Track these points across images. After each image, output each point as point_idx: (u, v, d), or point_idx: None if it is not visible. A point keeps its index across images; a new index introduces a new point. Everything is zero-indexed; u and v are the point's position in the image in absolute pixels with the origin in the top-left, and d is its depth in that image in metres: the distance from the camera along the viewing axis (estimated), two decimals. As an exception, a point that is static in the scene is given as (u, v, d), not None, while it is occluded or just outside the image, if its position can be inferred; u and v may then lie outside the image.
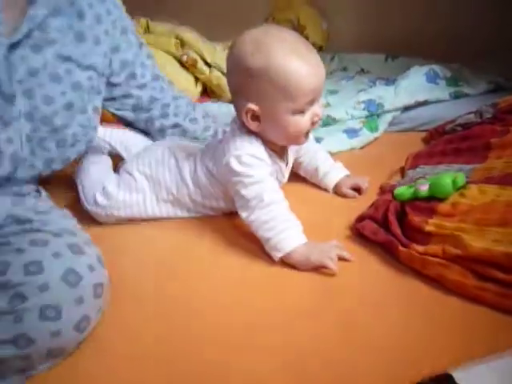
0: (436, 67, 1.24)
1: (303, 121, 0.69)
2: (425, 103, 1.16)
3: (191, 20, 1.61)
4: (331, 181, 0.87)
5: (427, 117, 1.14)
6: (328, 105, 1.22)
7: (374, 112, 1.15)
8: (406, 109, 1.16)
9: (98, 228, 0.82)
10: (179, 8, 1.90)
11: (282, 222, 0.68)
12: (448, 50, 1.49)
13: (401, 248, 0.59)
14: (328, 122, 1.15)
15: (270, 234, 0.68)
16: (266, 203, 0.68)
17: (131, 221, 0.84)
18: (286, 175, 0.83)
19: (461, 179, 0.63)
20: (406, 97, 1.15)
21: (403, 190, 0.68)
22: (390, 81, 1.24)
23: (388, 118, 1.15)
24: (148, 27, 1.62)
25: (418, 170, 0.79)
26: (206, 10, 1.93)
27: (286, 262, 0.67)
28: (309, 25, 1.68)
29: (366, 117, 1.15)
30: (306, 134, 0.73)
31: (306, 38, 1.68)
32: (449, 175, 0.63)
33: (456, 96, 1.17)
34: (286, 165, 0.82)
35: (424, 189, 0.64)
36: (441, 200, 0.63)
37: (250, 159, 0.70)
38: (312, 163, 0.89)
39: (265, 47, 0.66)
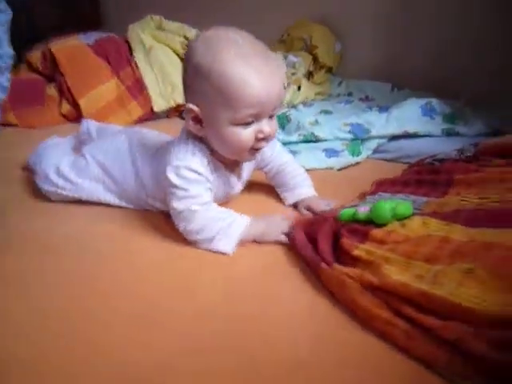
0: (435, 102, 1.19)
1: (244, 134, 0.63)
2: (415, 136, 1.11)
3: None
4: (291, 198, 0.83)
5: (414, 149, 1.09)
6: (316, 123, 1.19)
7: (359, 136, 1.11)
8: (394, 138, 1.12)
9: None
10: (195, 21, 1.92)
11: (221, 218, 0.67)
12: (460, 87, 1.44)
13: (323, 265, 0.55)
14: (311, 138, 1.12)
15: (213, 232, 0.66)
16: (199, 212, 0.66)
17: (82, 202, 0.83)
18: (238, 188, 0.80)
19: (404, 208, 0.58)
20: (396, 126, 1.11)
21: (345, 211, 0.64)
22: (383, 108, 1.20)
23: (373, 144, 1.11)
24: (161, 24, 1.64)
25: (376, 196, 0.75)
26: (223, 23, 1.95)
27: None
28: (320, 45, 1.66)
29: (351, 140, 1.12)
30: (253, 151, 0.68)
31: (316, 57, 1.67)
32: (390, 202, 0.59)
33: (448, 133, 1.12)
34: (239, 177, 0.78)
35: (363, 211, 0.60)
36: (378, 226, 0.58)
37: (188, 173, 0.66)
38: (278, 177, 0.85)
39: (214, 47, 0.62)
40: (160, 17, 1.65)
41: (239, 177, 0.78)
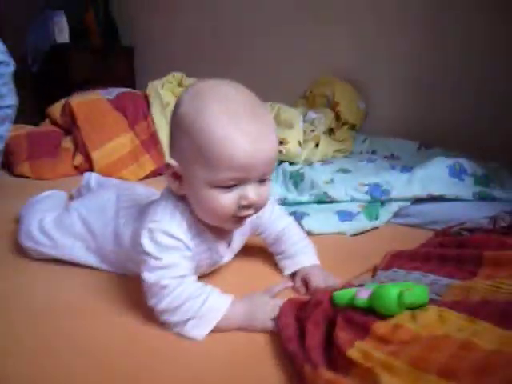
0: (464, 161, 1.08)
1: (224, 200, 0.55)
2: (441, 199, 0.98)
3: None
4: (290, 266, 0.72)
5: (441, 215, 0.96)
6: (331, 182, 1.10)
7: (377, 198, 1.00)
8: (418, 202, 1.00)
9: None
10: (220, 76, 1.94)
11: (197, 296, 0.56)
12: (498, 148, 1.33)
13: (306, 368, 0.42)
14: (323, 199, 1.02)
15: (187, 315, 0.56)
16: (171, 288, 0.56)
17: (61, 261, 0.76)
18: (228, 257, 0.70)
19: (416, 295, 0.46)
20: (419, 187, 0.99)
21: (341, 294, 0.51)
22: (406, 168, 1.10)
23: (393, 207, 0.99)
24: (182, 81, 1.65)
25: (389, 272, 0.62)
26: (247, 79, 1.96)
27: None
28: (343, 102, 1.60)
29: (368, 202, 1.01)
30: (237, 219, 0.58)
31: (338, 115, 1.61)
32: (398, 286, 0.46)
33: (481, 197, 0.99)
34: (229, 244, 0.69)
35: (363, 297, 0.47)
36: (382, 317, 0.46)
37: (164, 238, 0.57)
38: (277, 244, 0.74)
39: (200, 99, 0.56)
40: (182, 74, 1.67)
41: (229, 244, 0.69)
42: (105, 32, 2.53)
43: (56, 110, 1.51)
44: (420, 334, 0.42)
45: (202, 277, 0.71)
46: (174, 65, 1.92)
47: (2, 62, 0.95)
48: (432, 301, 0.50)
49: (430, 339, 0.41)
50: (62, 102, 1.49)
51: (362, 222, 0.95)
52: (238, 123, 0.53)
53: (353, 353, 0.42)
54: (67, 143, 1.45)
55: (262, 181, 0.57)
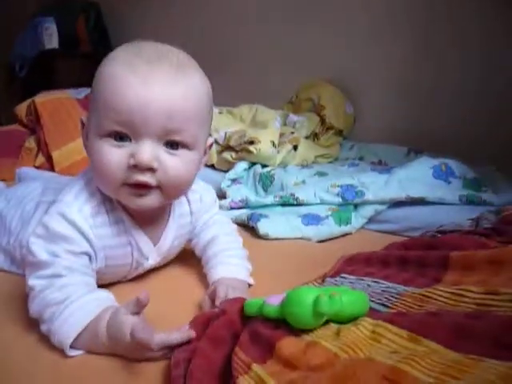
0: (452, 163, 0.96)
1: (112, 154, 0.45)
2: (422, 202, 0.86)
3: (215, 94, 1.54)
4: (212, 277, 0.57)
5: (421, 220, 0.83)
6: (302, 183, 0.98)
7: (349, 200, 0.88)
8: (396, 205, 0.87)
9: None
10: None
11: (62, 302, 0.44)
12: (491, 154, 1.21)
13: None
14: (289, 201, 0.90)
15: (52, 326, 0.44)
16: (36, 291, 0.45)
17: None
18: (153, 257, 0.57)
19: (336, 303, 0.33)
20: (397, 189, 0.87)
21: (254, 301, 0.39)
22: (385, 169, 0.98)
23: (368, 211, 0.87)
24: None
25: (337, 278, 0.50)
26: (235, 84, 1.88)
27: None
28: (328, 105, 1.50)
29: (340, 205, 0.88)
30: (131, 191, 0.47)
31: (323, 119, 1.50)
32: (316, 290, 0.34)
33: (470, 201, 0.86)
34: (156, 241, 0.57)
35: (273, 303, 0.35)
36: (296, 331, 0.34)
37: (57, 223, 0.47)
38: (205, 252, 0.61)
39: (113, 51, 0.50)
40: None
41: (157, 240, 0.57)
42: (96, 39, 2.49)
43: (22, 109, 1.43)
44: (338, 355, 0.30)
45: (121, 282, 0.60)
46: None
47: None
48: (375, 312, 0.37)
49: (350, 365, 0.29)
50: (29, 101, 1.41)
51: (330, 227, 0.83)
52: (134, 65, 0.46)
53: (244, 381, 0.30)
54: (31, 143, 1.37)
55: (172, 146, 0.47)
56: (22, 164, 1.32)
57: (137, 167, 0.45)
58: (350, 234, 0.85)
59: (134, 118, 0.45)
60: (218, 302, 0.46)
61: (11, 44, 2.42)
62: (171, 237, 0.58)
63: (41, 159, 1.32)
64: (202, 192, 0.61)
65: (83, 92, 1.45)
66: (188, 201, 0.60)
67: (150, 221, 0.55)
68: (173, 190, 0.50)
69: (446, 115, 1.43)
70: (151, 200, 0.49)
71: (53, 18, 2.38)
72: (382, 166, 1.29)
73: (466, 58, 1.37)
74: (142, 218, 0.54)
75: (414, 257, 0.48)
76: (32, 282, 0.45)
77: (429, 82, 1.47)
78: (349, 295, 0.35)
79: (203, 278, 0.61)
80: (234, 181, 1.08)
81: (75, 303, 0.44)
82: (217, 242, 0.60)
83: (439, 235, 0.60)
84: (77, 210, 0.49)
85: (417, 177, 0.90)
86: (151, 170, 0.46)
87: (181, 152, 0.48)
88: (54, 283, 0.45)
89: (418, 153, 1.31)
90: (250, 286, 0.57)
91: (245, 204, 0.93)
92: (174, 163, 0.47)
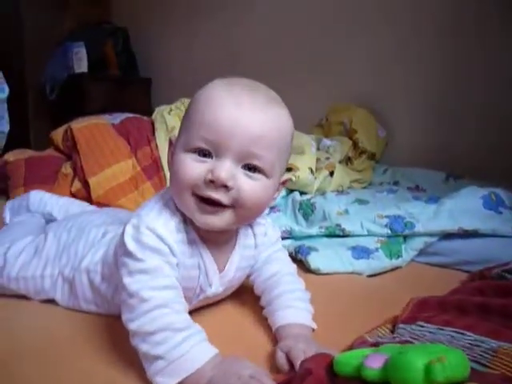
0: (501, 192, 0.93)
1: (193, 166, 0.48)
2: (475, 234, 0.83)
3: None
4: (275, 321, 0.55)
5: (475, 253, 0.81)
6: (345, 213, 0.96)
7: (398, 232, 0.86)
8: (447, 237, 0.85)
9: None
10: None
11: (180, 331, 0.45)
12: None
13: None
14: (335, 232, 0.88)
15: (160, 350, 0.44)
16: (151, 305, 0.45)
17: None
18: (216, 285, 0.57)
19: (451, 366, 0.32)
20: (448, 220, 0.85)
21: (347, 358, 0.37)
22: (432, 198, 0.96)
23: (418, 244, 0.85)
24: (191, 107, 1.58)
25: (413, 326, 0.48)
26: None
27: None
28: (361, 129, 1.49)
29: (388, 237, 0.86)
30: (199, 204, 0.48)
31: (356, 143, 1.49)
32: (423, 353, 0.32)
33: (524, 233, 0.83)
34: (222, 268, 0.56)
35: (375, 367, 0.34)
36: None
37: (147, 236, 0.48)
38: (265, 293, 0.59)
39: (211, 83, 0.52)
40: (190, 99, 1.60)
41: (223, 267, 0.56)
42: (123, 63, 2.55)
43: (59, 134, 1.45)
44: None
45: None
46: (191, 95, 1.88)
47: None
48: (475, 373, 0.35)
49: None
50: (65, 126, 1.44)
51: (381, 261, 0.81)
52: (232, 92, 0.48)
53: None
54: (67, 169, 1.38)
55: (250, 168, 0.49)
56: (58, 190, 1.34)
57: (213, 183, 0.47)
58: (400, 268, 0.83)
59: (220, 137, 0.47)
60: (297, 363, 0.44)
61: (42, 68, 2.49)
62: (235, 267, 0.58)
63: (77, 185, 1.33)
64: (267, 226, 0.61)
65: (118, 117, 1.47)
66: (254, 234, 0.59)
67: (218, 247, 0.55)
68: (245, 212, 0.50)
69: (476, 138, 1.41)
70: (221, 220, 0.49)
71: (83, 42, 2.44)
72: (421, 192, 1.27)
73: (497, 78, 1.36)
74: (210, 242, 0.54)
75: (498, 305, 0.46)
76: (146, 294, 0.45)
77: (458, 104, 1.45)
78: (455, 357, 0.33)
79: (259, 317, 0.60)
80: (272, 208, 1.07)
81: (195, 337, 0.44)
82: (280, 281, 0.59)
83: (509, 276, 0.58)
84: (163, 225, 0.50)
85: (467, 207, 0.87)
86: (226, 187, 0.47)
87: (257, 176, 0.49)
88: (168, 303, 0.46)
89: (458, 178, 1.29)
90: (313, 330, 0.55)
91: (288, 234, 0.91)
92: (249, 185, 0.48)
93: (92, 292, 0.59)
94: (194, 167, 0.48)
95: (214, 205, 0.48)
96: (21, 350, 0.51)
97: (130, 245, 0.48)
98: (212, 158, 0.48)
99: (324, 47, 1.77)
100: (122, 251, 0.50)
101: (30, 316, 0.60)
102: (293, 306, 0.55)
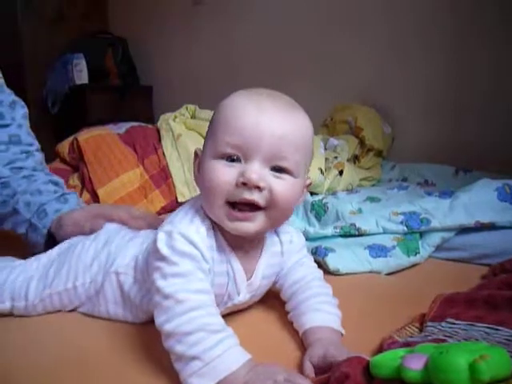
0: (515, 184, 0.92)
1: (223, 171, 0.49)
2: (492, 227, 0.83)
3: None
4: (299, 327, 0.55)
5: (492, 246, 0.80)
6: (359, 212, 0.96)
7: (415, 229, 0.85)
8: (464, 231, 0.84)
9: None
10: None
11: (215, 332, 0.44)
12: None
13: None
14: (350, 231, 0.88)
15: (196, 351, 0.43)
16: (187, 306, 0.46)
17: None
18: (244, 293, 0.56)
19: (496, 364, 0.31)
20: (464, 215, 0.84)
21: (385, 360, 0.37)
22: (446, 193, 0.95)
23: (435, 239, 0.84)
24: (195, 113, 1.59)
25: (443, 324, 0.47)
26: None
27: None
28: (366, 127, 1.48)
29: (405, 234, 0.86)
30: (231, 211, 0.49)
31: (362, 141, 1.49)
32: (465, 351, 0.32)
33: (542, 224, 0.82)
34: (250, 275, 0.56)
35: (416, 368, 0.33)
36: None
37: (181, 242, 0.49)
38: (291, 299, 0.59)
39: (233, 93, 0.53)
40: (195, 106, 1.60)
41: (250, 275, 0.56)
42: (124, 73, 2.55)
43: (64, 146, 1.45)
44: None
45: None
46: (193, 102, 1.88)
47: (17, 102, 0.84)
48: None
49: None
50: (71, 138, 1.44)
51: (399, 258, 0.80)
52: (255, 99, 0.50)
53: None
54: (75, 181, 1.38)
55: (278, 170, 0.50)
56: (67, 202, 1.34)
57: (245, 185, 0.48)
58: (418, 264, 0.82)
59: (246, 141, 0.48)
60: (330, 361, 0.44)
61: (42, 82, 2.49)
62: (261, 274, 0.57)
63: (86, 196, 1.33)
64: (292, 234, 0.61)
65: (123, 127, 1.47)
66: (280, 241, 0.59)
67: (246, 254, 0.55)
68: (277, 213, 0.50)
69: (480, 130, 1.41)
70: (254, 226, 0.50)
71: (82, 54, 2.44)
72: (431, 187, 1.26)
73: (500, 73, 1.35)
74: (238, 249, 0.54)
75: (528, 298, 0.45)
76: (182, 295, 0.46)
77: (461, 98, 1.45)
78: (498, 354, 0.32)
79: (284, 322, 0.59)
80: (283, 211, 1.07)
81: (230, 340, 0.44)
82: (308, 285, 0.58)
83: (533, 268, 0.57)
84: (195, 231, 0.50)
85: (482, 200, 0.86)
86: (258, 188, 0.48)
87: (285, 176, 0.50)
88: (204, 305, 0.46)
89: (467, 172, 1.29)
90: (342, 335, 0.55)
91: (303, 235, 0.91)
92: (280, 185, 0.49)
93: (121, 295, 0.58)
94: (224, 172, 0.49)
95: (249, 209, 0.49)
96: (59, 363, 0.51)
97: (164, 250, 0.49)
98: (240, 162, 0.49)
99: (325, 47, 1.77)
100: (155, 257, 0.50)
101: (61, 329, 0.60)
102: (321, 309, 0.55)
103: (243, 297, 0.57)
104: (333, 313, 0.55)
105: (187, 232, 0.49)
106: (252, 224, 0.50)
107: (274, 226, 0.55)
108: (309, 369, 0.47)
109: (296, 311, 0.57)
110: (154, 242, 0.51)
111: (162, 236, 0.50)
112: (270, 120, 0.49)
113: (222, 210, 0.49)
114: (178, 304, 0.46)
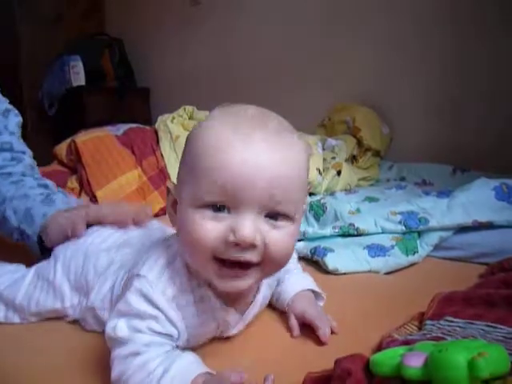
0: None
1: (208, 226, 0.41)
2: (490, 226, 0.83)
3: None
4: (285, 297, 0.58)
5: (490, 245, 0.81)
6: (357, 212, 0.96)
7: (413, 228, 0.86)
8: (462, 230, 0.85)
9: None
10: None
11: (165, 359, 0.42)
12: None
13: None
14: (349, 231, 0.88)
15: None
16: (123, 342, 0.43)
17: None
18: (238, 328, 0.54)
19: (491, 362, 0.32)
20: (462, 214, 0.84)
21: (385, 358, 0.37)
22: (443, 192, 0.95)
23: (434, 239, 0.85)
24: (193, 114, 1.59)
25: (442, 322, 0.48)
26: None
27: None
28: (364, 127, 1.49)
29: (403, 233, 0.86)
30: (220, 270, 0.43)
31: (360, 141, 1.49)
32: (463, 348, 0.32)
33: (539, 223, 0.83)
34: (243, 313, 0.53)
35: (415, 365, 0.33)
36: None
37: (141, 304, 0.44)
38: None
39: (207, 119, 0.46)
40: (193, 107, 1.60)
41: (244, 312, 0.52)
42: (121, 74, 2.55)
43: (62, 149, 1.45)
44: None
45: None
46: (190, 103, 1.88)
47: (10, 111, 0.83)
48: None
49: None
50: (68, 140, 1.44)
51: (398, 258, 0.80)
52: (240, 129, 0.41)
53: None
54: (73, 183, 1.38)
55: (273, 216, 0.42)
56: (66, 204, 1.33)
57: (238, 245, 0.40)
58: (416, 263, 0.82)
59: (235, 186, 0.40)
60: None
61: (39, 83, 2.48)
62: (258, 304, 0.55)
63: (85, 199, 1.33)
64: None
65: (121, 128, 1.47)
66: None
67: (239, 298, 0.51)
68: (273, 266, 0.45)
69: (478, 130, 1.41)
70: (246, 283, 0.44)
71: (79, 55, 2.44)
72: (429, 187, 1.27)
73: (498, 73, 1.36)
74: (230, 295, 0.49)
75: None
76: (115, 365, 0.42)
77: (460, 98, 1.45)
78: (496, 351, 0.33)
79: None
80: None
81: (170, 372, 0.41)
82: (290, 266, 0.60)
83: (531, 266, 0.58)
84: (160, 292, 0.44)
85: (479, 200, 0.87)
86: (253, 246, 0.41)
87: (282, 224, 0.43)
88: (131, 364, 0.42)
89: (465, 171, 1.29)
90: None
91: (302, 236, 0.91)
92: (277, 236, 0.42)
93: (103, 324, 0.52)
94: (210, 228, 0.41)
95: (240, 268, 0.42)
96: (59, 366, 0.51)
97: (121, 307, 0.45)
98: (228, 210, 0.41)
99: (324, 47, 1.77)
100: (123, 303, 0.46)
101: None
102: (298, 277, 0.60)
103: (237, 330, 0.54)
104: (313, 282, 0.60)
105: (150, 292, 0.44)
106: (244, 282, 0.44)
107: (270, 275, 0.49)
108: (296, 329, 0.52)
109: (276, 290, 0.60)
110: (125, 286, 0.48)
111: (133, 291, 0.45)
112: (262, 160, 0.40)
113: (209, 265, 0.43)
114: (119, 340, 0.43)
